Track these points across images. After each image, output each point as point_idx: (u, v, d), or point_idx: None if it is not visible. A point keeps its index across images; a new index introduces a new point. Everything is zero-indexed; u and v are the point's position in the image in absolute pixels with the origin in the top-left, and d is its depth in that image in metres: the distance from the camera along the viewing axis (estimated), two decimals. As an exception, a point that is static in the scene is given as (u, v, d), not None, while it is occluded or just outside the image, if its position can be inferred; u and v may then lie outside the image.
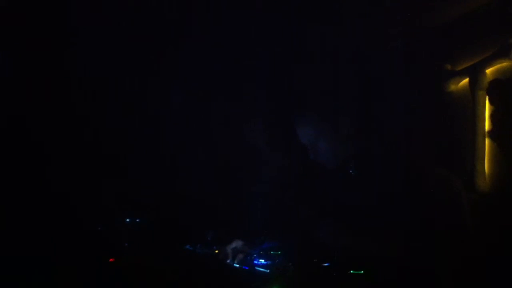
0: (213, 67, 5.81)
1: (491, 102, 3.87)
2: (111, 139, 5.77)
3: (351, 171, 4.57)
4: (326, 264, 4.22)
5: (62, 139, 5.56)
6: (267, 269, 4.61)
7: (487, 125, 3.81)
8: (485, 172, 3.95)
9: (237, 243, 5.09)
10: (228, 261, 4.96)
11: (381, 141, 4.36)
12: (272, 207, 5.15)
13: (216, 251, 5.13)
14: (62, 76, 5.58)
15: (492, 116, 3.72)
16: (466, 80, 4.27)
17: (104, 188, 5.57)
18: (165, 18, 5.46)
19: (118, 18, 5.35)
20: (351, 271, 3.97)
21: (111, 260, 5.02)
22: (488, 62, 4.06)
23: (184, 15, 5.41)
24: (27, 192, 5.18)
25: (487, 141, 3.92)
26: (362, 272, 3.92)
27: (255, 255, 4.92)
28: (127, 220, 5.64)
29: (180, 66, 5.91)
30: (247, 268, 4.79)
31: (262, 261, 4.81)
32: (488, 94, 3.98)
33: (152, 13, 5.36)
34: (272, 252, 4.83)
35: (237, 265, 4.92)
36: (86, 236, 5.21)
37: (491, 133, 3.71)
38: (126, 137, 5.81)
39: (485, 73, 4.09)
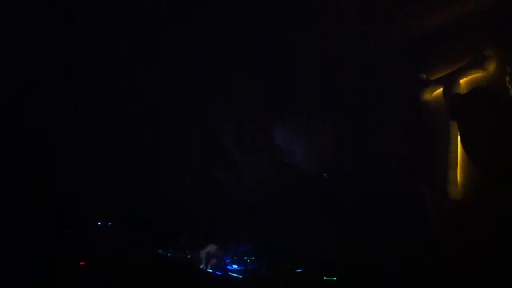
0: (198, 72, 5.77)
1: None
2: (91, 142, 5.69)
3: (330, 176, 4.57)
4: (299, 270, 4.22)
5: (46, 140, 5.48)
6: (240, 274, 4.58)
7: (460, 134, 3.86)
8: (457, 181, 4.00)
9: (210, 248, 5.05)
10: (201, 266, 4.92)
11: (361, 147, 4.39)
12: (250, 212, 5.12)
13: (189, 256, 5.08)
14: (58, 77, 5.51)
15: (465, 125, 3.78)
16: (441, 89, 4.33)
17: (78, 191, 5.49)
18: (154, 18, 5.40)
19: (114, 18, 5.28)
20: (324, 277, 3.97)
21: (81, 263, 4.95)
22: (462, 72, 4.12)
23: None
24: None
25: (459, 150, 3.98)
26: (335, 278, 3.92)
27: (228, 260, 4.89)
28: (99, 223, 5.56)
29: (165, 73, 5.86)
30: (220, 273, 4.76)
31: (235, 266, 4.79)
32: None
33: (144, 14, 5.31)
34: (245, 258, 4.80)
35: (210, 270, 4.88)
36: (59, 238, 5.13)
37: (464, 142, 3.77)
38: (106, 141, 5.73)
39: (459, 83, 4.16)
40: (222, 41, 5.28)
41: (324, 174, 4.46)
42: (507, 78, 3.63)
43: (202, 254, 5.00)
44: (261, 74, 5.42)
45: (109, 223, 5.56)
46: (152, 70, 5.78)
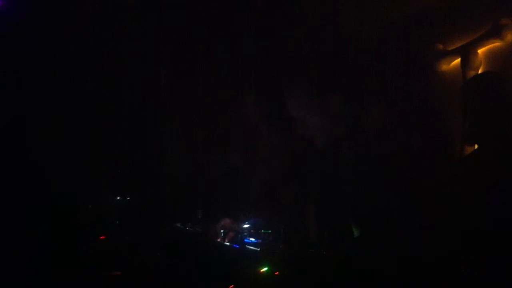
0: (199, 41, 5.72)
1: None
2: (96, 123, 5.72)
3: (343, 151, 4.52)
4: (315, 245, 4.25)
5: (50, 124, 5.52)
6: (258, 248, 4.63)
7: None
8: (471, 158, 3.94)
9: (227, 221, 5.10)
10: (218, 239, 4.98)
11: (374, 124, 4.33)
12: (262, 187, 5.13)
13: (207, 229, 5.15)
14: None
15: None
16: (458, 60, 4.24)
17: (93, 168, 5.54)
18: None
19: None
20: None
21: (101, 237, 5.04)
22: (479, 42, 4.02)
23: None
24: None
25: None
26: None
27: (245, 234, 4.93)
28: (117, 198, 5.63)
29: (164, 45, 5.84)
30: (237, 246, 4.81)
31: (252, 239, 4.83)
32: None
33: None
34: (262, 231, 4.84)
35: (227, 243, 4.93)
36: (76, 212, 5.21)
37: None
38: (114, 121, 5.76)
39: (476, 53, 4.06)
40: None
41: (344, 152, 4.39)
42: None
43: (219, 227, 5.05)
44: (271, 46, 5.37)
45: (128, 198, 5.63)
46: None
